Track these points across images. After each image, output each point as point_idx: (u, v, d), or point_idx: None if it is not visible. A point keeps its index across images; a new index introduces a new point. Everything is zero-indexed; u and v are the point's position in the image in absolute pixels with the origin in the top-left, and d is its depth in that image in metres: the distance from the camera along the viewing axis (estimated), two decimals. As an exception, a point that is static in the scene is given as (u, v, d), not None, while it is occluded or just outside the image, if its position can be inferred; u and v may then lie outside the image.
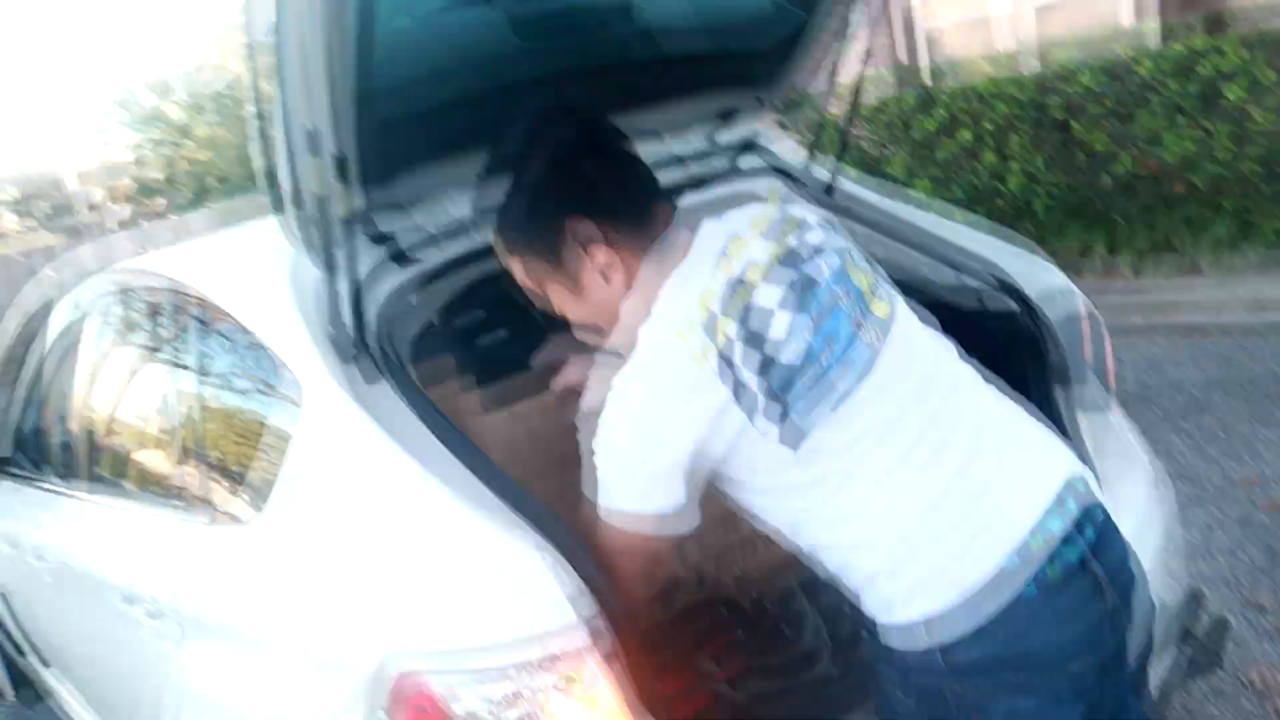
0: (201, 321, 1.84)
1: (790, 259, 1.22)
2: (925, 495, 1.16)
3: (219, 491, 1.72)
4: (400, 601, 1.26)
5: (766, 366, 1.15)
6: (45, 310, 2.68)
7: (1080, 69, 6.01)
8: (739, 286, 1.18)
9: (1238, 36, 5.53)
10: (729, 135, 2.23)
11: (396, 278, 1.59)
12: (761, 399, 1.14)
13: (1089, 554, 1.17)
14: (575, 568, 1.19)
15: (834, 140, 2.34)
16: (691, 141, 2.17)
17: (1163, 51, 5.79)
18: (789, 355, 1.15)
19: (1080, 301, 2.06)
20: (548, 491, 1.32)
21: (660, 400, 1.16)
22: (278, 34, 1.20)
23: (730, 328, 1.15)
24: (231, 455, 1.74)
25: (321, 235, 1.36)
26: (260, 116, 1.30)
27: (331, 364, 1.44)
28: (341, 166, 1.30)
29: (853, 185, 2.29)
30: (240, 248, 1.96)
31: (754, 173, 2.23)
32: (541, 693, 1.15)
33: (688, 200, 1.36)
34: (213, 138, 27.63)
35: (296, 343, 1.50)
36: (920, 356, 1.26)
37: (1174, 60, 5.61)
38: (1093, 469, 1.95)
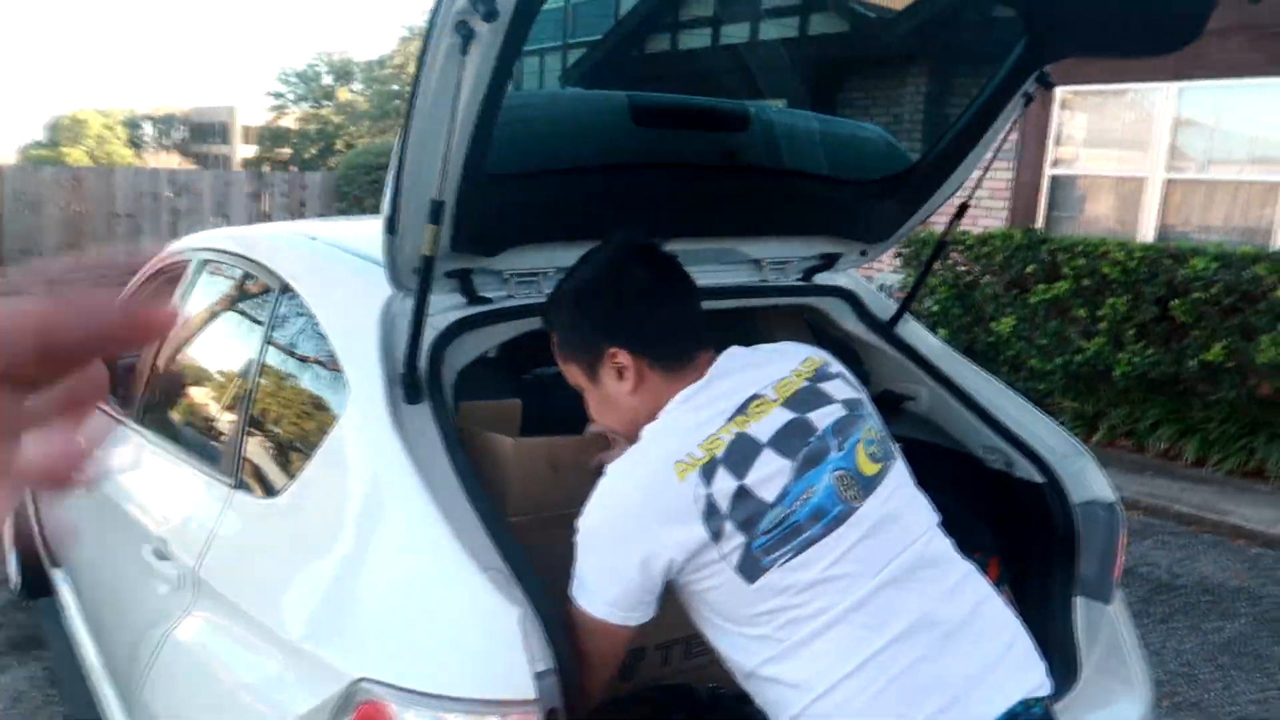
0: (283, 302, 1.99)
1: (800, 409, 1.33)
2: (871, 664, 1.23)
3: (255, 468, 1.87)
4: (382, 627, 1.37)
5: (741, 497, 1.25)
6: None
7: (1195, 252, 5.96)
8: (744, 438, 1.29)
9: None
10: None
11: (464, 314, 1.73)
12: (729, 526, 1.24)
13: None
14: (547, 631, 1.29)
15: (915, 281, 2.41)
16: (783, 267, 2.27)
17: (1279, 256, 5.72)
18: (765, 492, 1.26)
19: (1115, 501, 2.08)
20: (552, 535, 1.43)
21: (639, 505, 1.27)
22: (418, 96, 1.36)
23: (725, 447, 1.27)
24: (275, 437, 1.89)
25: (413, 279, 1.53)
26: (396, 155, 1.46)
27: (383, 377, 1.57)
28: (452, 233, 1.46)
29: (915, 326, 2.36)
30: (333, 243, 2.11)
31: (825, 291, 2.32)
32: None
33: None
34: (352, 104, 28.74)
35: (361, 349, 1.64)
36: (902, 524, 1.34)
37: (1290, 265, 5.55)
38: (1076, 653, 1.99)
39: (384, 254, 1.58)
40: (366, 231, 2.01)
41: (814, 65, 2.17)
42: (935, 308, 7.32)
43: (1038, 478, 2.07)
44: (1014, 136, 7.91)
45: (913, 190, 2.21)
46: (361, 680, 1.32)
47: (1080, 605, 2.02)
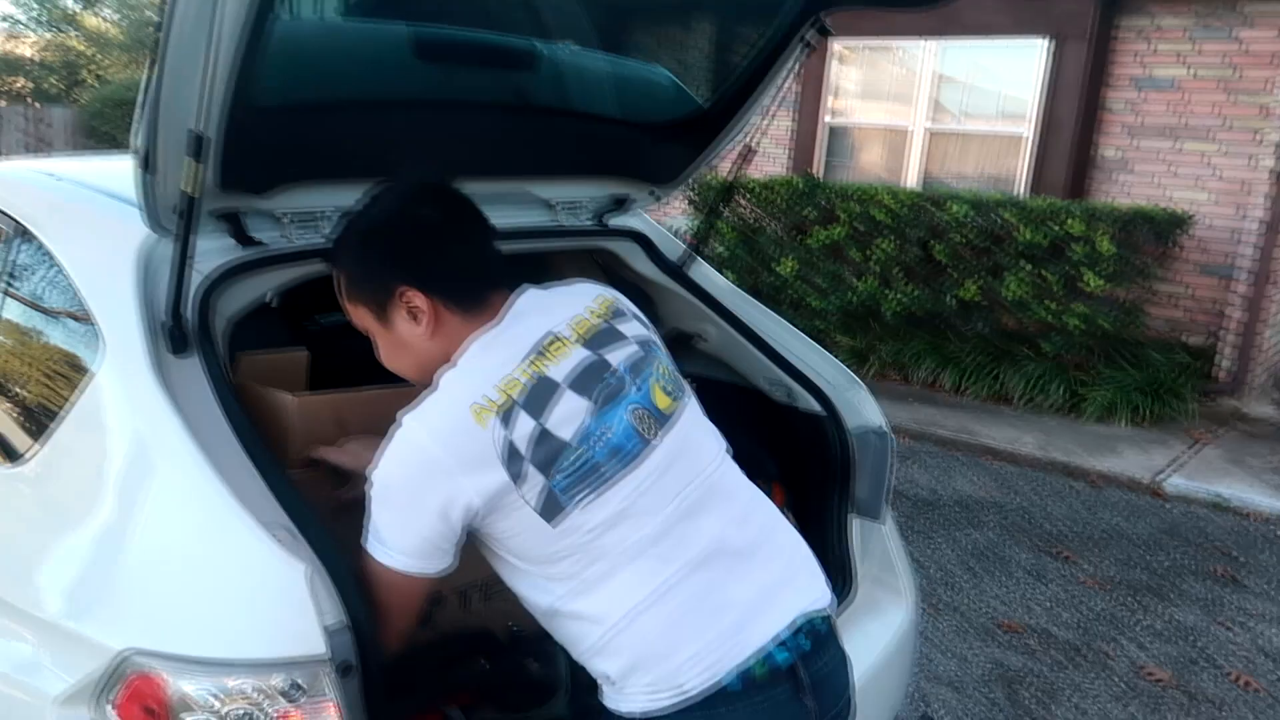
0: (22, 249, 1.80)
1: (596, 349, 1.34)
2: (666, 592, 1.28)
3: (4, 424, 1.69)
4: (152, 595, 1.28)
5: (541, 439, 1.25)
6: None
7: (953, 199, 6.47)
8: (543, 380, 1.28)
9: (1090, 206, 6.11)
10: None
11: (234, 258, 1.62)
12: (530, 469, 1.24)
13: (799, 661, 1.31)
14: (335, 584, 1.25)
15: (703, 225, 2.48)
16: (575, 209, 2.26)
17: (1026, 202, 6.31)
18: (564, 433, 1.26)
19: (886, 429, 2.24)
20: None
21: (438, 453, 1.23)
22: (168, 23, 1.24)
23: (523, 390, 1.26)
24: (18, 399, 1.71)
25: (173, 220, 1.40)
26: (149, 85, 1.32)
27: (143, 328, 1.45)
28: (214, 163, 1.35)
29: (705, 268, 2.44)
30: (80, 183, 1.91)
31: (618, 234, 2.35)
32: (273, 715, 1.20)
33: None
34: (101, 32, 25.95)
35: (116, 299, 1.51)
36: (694, 456, 1.38)
37: (1033, 212, 6.14)
38: (852, 567, 2.16)
39: (140, 193, 1.44)
40: (118, 169, 1.83)
41: (603, 8, 2.15)
42: (723, 251, 7.58)
43: (816, 408, 2.20)
44: (794, 87, 8.25)
45: (700, 133, 2.26)
46: (129, 653, 1.24)
47: (855, 524, 2.18)
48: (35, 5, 25.88)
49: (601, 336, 1.38)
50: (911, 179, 7.61)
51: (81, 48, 25.31)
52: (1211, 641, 3.51)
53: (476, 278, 1.38)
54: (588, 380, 1.31)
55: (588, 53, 2.17)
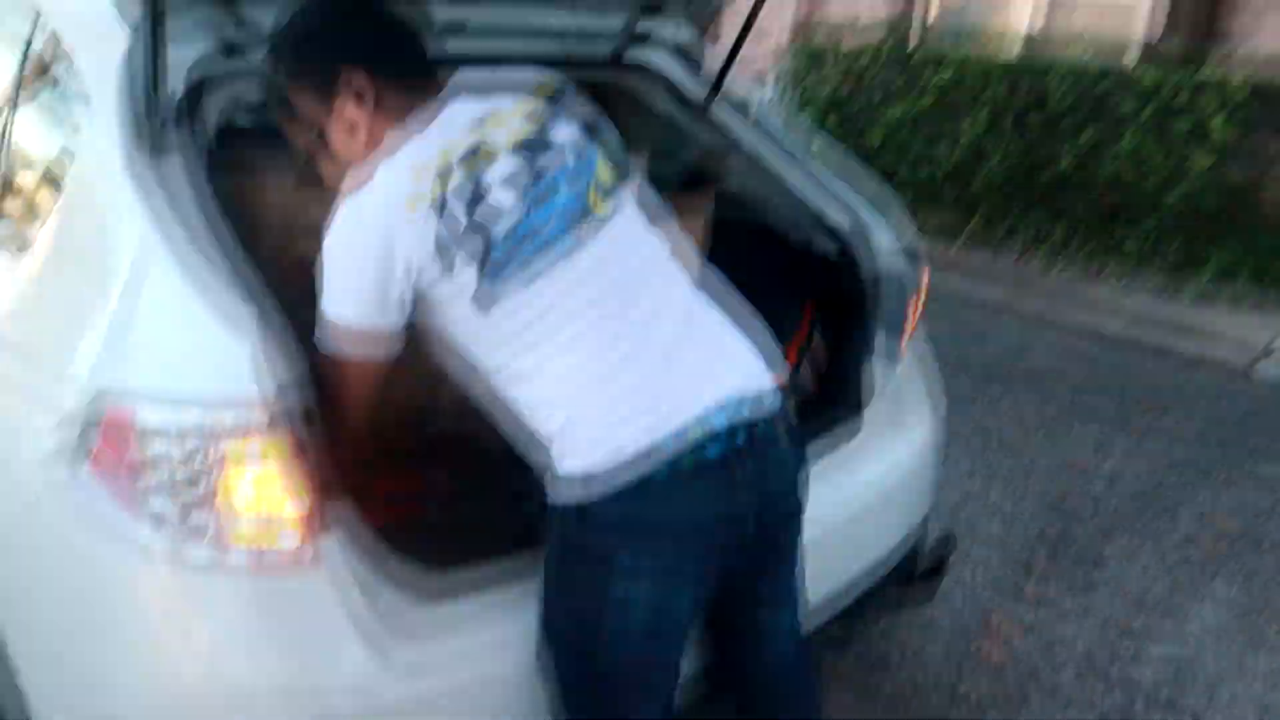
0: (39, 32, 1.82)
1: (532, 145, 1.34)
2: (605, 365, 1.30)
3: (13, 221, 1.78)
4: (123, 346, 1.35)
5: (474, 231, 1.27)
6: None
7: (1053, 67, 6.05)
8: (481, 149, 1.30)
9: (1198, 79, 5.61)
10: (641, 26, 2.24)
11: (220, 65, 1.62)
12: (462, 256, 1.26)
13: (731, 455, 1.31)
14: (286, 355, 1.29)
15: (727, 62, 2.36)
16: (598, 20, 2.19)
17: (1130, 71, 5.85)
18: (498, 227, 1.28)
19: (905, 273, 2.15)
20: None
21: (379, 218, 1.27)
22: None
23: (456, 181, 1.27)
24: (25, 186, 1.79)
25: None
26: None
27: (127, 126, 1.47)
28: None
29: (729, 112, 2.34)
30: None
31: (636, 69, 2.28)
32: (219, 448, 1.27)
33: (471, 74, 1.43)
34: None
35: (105, 94, 1.53)
36: (631, 252, 1.38)
37: (1138, 82, 5.69)
38: (859, 409, 2.12)
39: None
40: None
41: None
42: (812, 119, 7.32)
43: (833, 253, 2.14)
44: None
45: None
46: (104, 391, 1.31)
47: (872, 366, 2.13)
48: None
49: (544, 111, 1.39)
50: (1019, 34, 7.10)
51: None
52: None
53: (419, 56, 1.40)
54: (519, 174, 1.32)
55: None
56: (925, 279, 2.21)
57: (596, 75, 2.23)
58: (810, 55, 7.33)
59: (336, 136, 1.41)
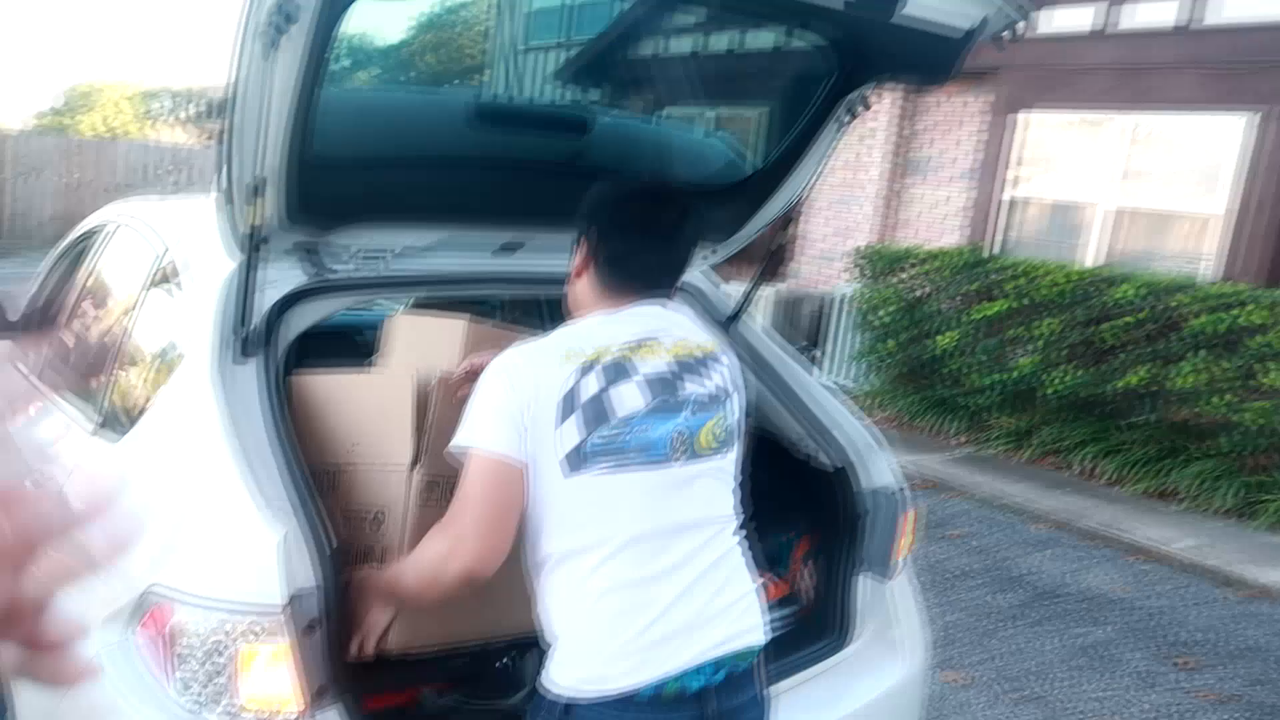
0: (162, 263, 2.21)
1: (676, 374, 1.54)
2: (619, 602, 1.44)
3: (116, 411, 2.09)
4: (175, 545, 1.59)
5: (600, 402, 1.45)
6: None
7: (1124, 280, 6.17)
8: (641, 348, 1.52)
9: (1273, 294, 5.65)
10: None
11: (304, 282, 1.95)
12: (579, 416, 1.44)
13: (710, 689, 1.45)
14: (315, 553, 1.51)
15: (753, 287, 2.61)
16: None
17: (1203, 287, 5.92)
18: (620, 411, 1.46)
19: (898, 490, 2.28)
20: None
21: (524, 360, 1.48)
22: (236, 85, 1.57)
23: (609, 359, 1.49)
24: (131, 385, 2.11)
25: (245, 245, 1.74)
26: (222, 139, 1.67)
27: (218, 335, 1.79)
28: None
29: (754, 327, 2.56)
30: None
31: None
32: (238, 645, 1.49)
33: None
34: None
35: (204, 308, 1.86)
36: (700, 499, 1.53)
37: (1210, 298, 5.76)
38: (849, 621, 2.20)
39: (220, 225, 1.80)
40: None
41: (667, 82, 2.37)
42: (887, 320, 7.53)
43: (832, 467, 2.28)
44: (976, 157, 8.13)
45: (750, 197, 2.42)
46: (152, 586, 1.55)
47: (862, 582, 2.23)
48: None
49: (691, 364, 1.57)
50: (1092, 257, 7.27)
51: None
52: (1334, 778, 3.17)
53: (629, 270, 1.60)
54: (656, 386, 1.51)
55: (642, 120, 2.40)
56: (913, 512, 2.31)
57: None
58: (890, 257, 7.62)
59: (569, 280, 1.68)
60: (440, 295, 2.41)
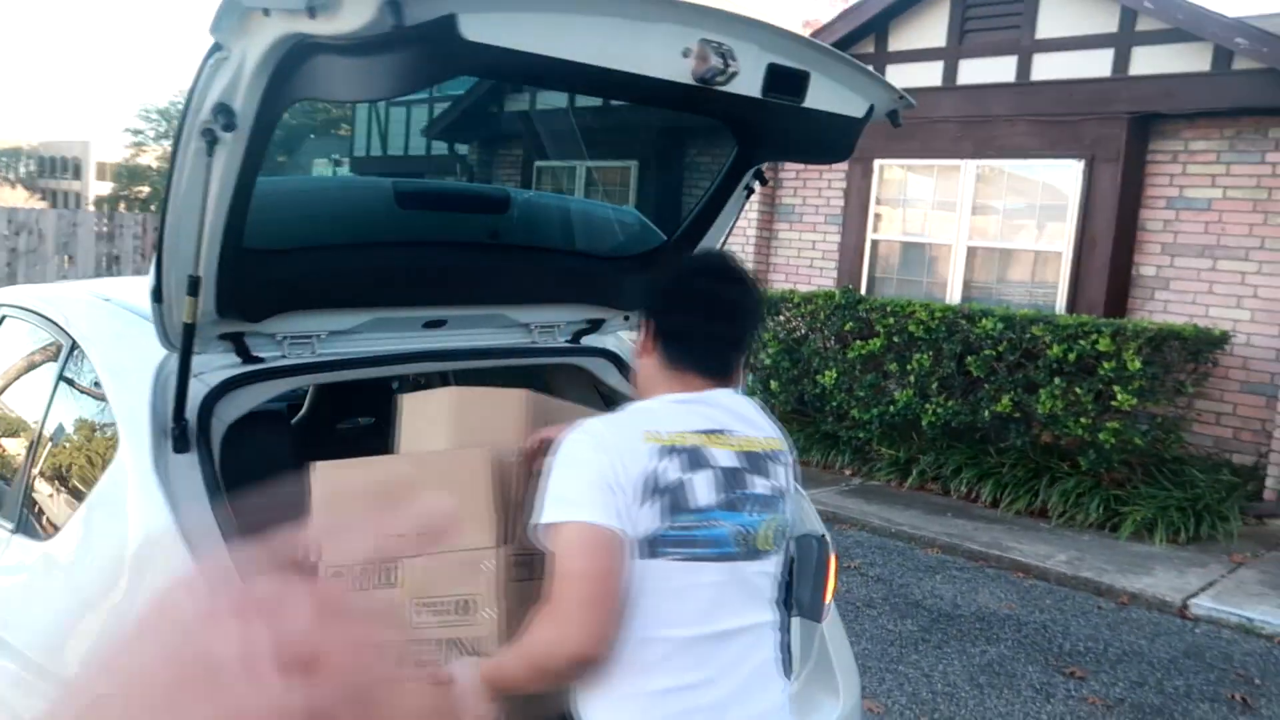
0: (72, 358, 2.15)
1: (744, 469, 1.54)
2: (688, 699, 1.45)
3: (36, 513, 2.01)
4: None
5: (678, 489, 1.44)
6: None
7: (984, 314, 6.62)
8: (713, 439, 1.51)
9: (1118, 324, 6.18)
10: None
11: (234, 373, 1.94)
12: (656, 503, 1.42)
13: None
14: None
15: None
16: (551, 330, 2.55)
17: (1056, 319, 6.42)
18: (695, 499, 1.46)
19: (824, 535, 2.41)
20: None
21: (608, 434, 1.47)
22: (172, 185, 1.58)
23: (688, 444, 1.48)
24: (52, 485, 2.04)
25: (179, 340, 1.73)
26: (161, 238, 1.67)
27: (151, 429, 1.77)
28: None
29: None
30: (124, 305, 2.28)
31: (591, 352, 2.62)
32: None
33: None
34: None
35: (134, 403, 1.83)
36: (755, 599, 1.55)
37: (1063, 329, 6.24)
38: (790, 666, 2.30)
39: (154, 319, 1.79)
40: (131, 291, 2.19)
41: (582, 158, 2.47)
42: (767, 361, 7.81)
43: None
44: (840, 204, 8.58)
45: (663, 264, 2.54)
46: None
47: (796, 624, 2.34)
48: (160, 119, 28.09)
49: (755, 459, 1.56)
50: (953, 293, 7.77)
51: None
52: (1213, 767, 3.46)
53: (693, 349, 1.60)
54: (727, 479, 1.50)
55: (561, 196, 2.49)
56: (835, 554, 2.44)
57: (561, 360, 2.57)
58: (769, 301, 7.93)
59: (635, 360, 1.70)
60: (370, 376, 2.42)
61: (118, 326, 2.15)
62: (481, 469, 1.75)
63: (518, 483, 1.79)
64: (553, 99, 2.25)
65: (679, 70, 1.61)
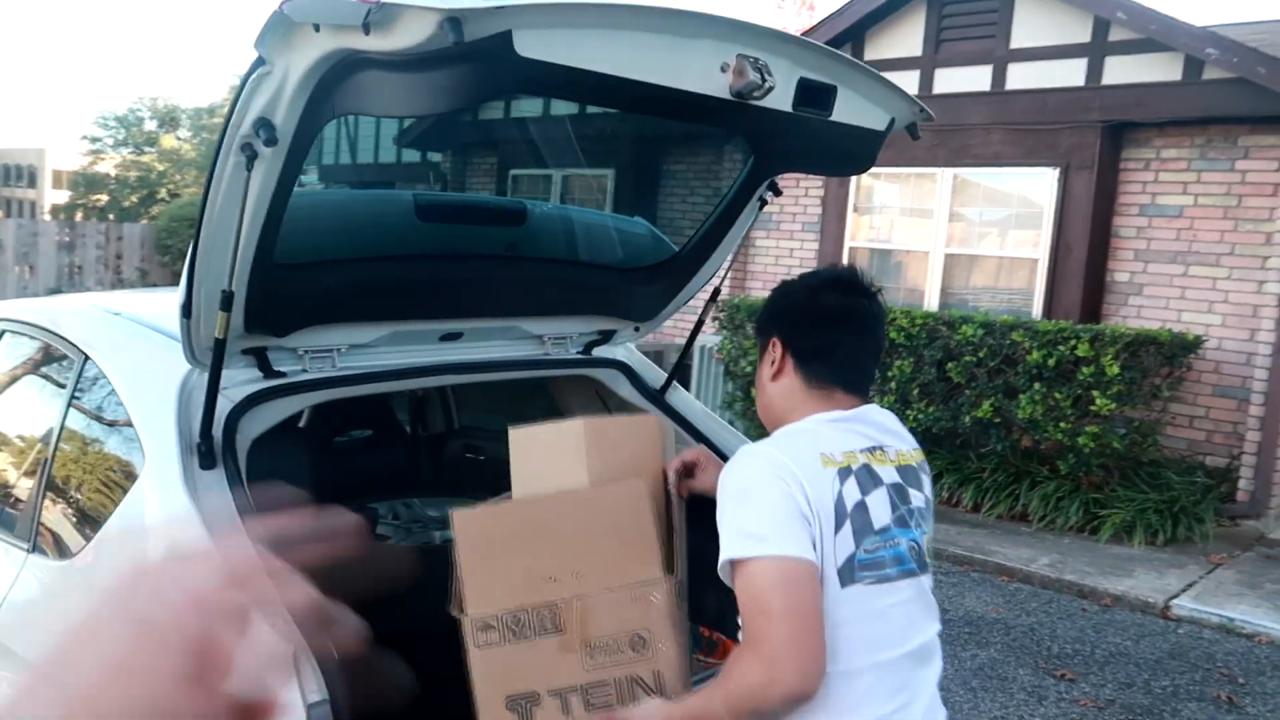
0: (85, 376, 2.11)
1: (902, 485, 1.52)
2: (880, 712, 1.42)
3: (51, 532, 1.97)
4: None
5: (861, 510, 1.42)
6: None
7: (964, 321, 6.70)
8: (873, 471, 1.47)
9: (1096, 330, 6.29)
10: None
11: (258, 388, 1.92)
12: (847, 528, 1.40)
13: None
14: (319, 663, 1.48)
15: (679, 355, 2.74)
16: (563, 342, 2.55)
17: (1036, 325, 6.52)
18: (876, 520, 1.44)
19: None
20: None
21: (787, 459, 1.41)
22: (209, 201, 1.57)
23: (859, 464, 1.46)
24: (72, 502, 2.00)
25: (208, 357, 1.71)
26: (194, 253, 1.65)
27: (179, 445, 1.74)
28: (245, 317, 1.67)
29: (682, 394, 2.69)
30: (136, 319, 2.25)
31: (603, 363, 2.62)
32: None
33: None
34: (177, 151, 27.62)
35: (159, 420, 1.80)
36: (931, 612, 1.55)
37: (1042, 335, 6.34)
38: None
39: (181, 334, 1.76)
40: (166, 307, 2.16)
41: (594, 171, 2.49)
42: (750, 369, 7.84)
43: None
44: (818, 212, 8.65)
45: (674, 276, 2.55)
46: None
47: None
48: (118, 126, 27.67)
49: (909, 473, 1.55)
50: (931, 300, 7.86)
51: (159, 166, 26.90)
52: (1205, 765, 3.52)
53: (836, 365, 1.57)
54: (895, 495, 1.49)
55: (575, 208, 2.50)
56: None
57: (573, 371, 2.57)
58: (749, 308, 7.97)
59: (758, 384, 1.65)
60: (390, 389, 2.40)
61: (134, 342, 2.12)
62: (644, 502, 1.70)
63: (674, 511, 1.76)
64: (529, 106, 2.25)
65: (717, 85, 1.62)
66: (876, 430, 1.55)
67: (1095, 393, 6.09)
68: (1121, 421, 6.23)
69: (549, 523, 1.70)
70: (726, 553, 1.36)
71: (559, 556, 1.66)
